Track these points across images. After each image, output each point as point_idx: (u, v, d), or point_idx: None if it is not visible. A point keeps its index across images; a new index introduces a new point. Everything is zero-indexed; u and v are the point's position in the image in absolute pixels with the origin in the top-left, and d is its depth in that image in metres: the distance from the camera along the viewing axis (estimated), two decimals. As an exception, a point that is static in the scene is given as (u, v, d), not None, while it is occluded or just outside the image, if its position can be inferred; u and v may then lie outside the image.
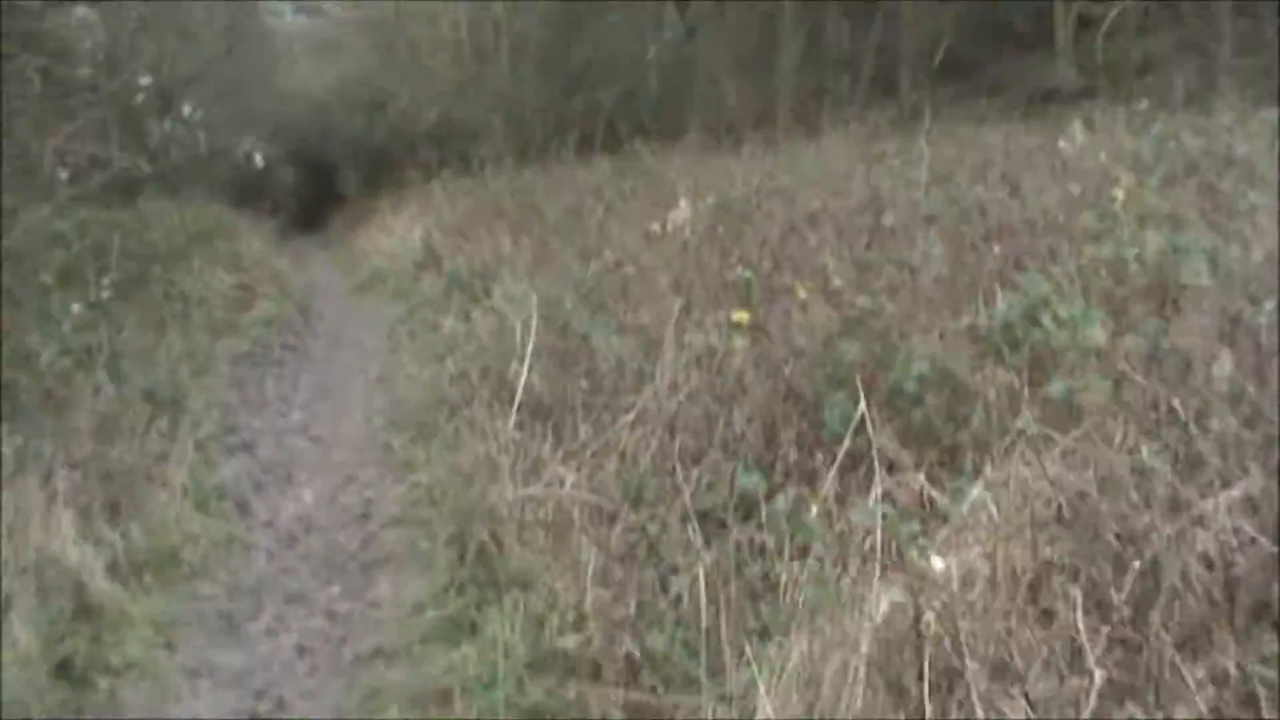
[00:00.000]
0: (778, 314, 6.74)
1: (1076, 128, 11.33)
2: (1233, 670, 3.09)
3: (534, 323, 9.15)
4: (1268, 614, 3.23)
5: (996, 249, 7.13)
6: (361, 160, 32.39)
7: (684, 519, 5.20)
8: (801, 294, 6.75)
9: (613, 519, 5.68)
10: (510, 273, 13.71)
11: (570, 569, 5.31)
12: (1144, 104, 12.02)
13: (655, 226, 9.70)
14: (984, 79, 29.92)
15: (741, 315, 6.51)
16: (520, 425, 8.01)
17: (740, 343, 6.37)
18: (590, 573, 5.05)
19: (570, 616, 4.91)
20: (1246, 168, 8.28)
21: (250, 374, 12.52)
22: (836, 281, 6.92)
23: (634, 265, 9.32)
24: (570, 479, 6.11)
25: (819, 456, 4.90)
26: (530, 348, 8.88)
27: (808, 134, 20.21)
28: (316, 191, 33.71)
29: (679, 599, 4.66)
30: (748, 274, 7.44)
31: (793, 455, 5.14)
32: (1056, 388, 4.41)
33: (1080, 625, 3.11)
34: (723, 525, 4.99)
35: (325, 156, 33.75)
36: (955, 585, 3.33)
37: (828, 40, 30.85)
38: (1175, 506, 3.48)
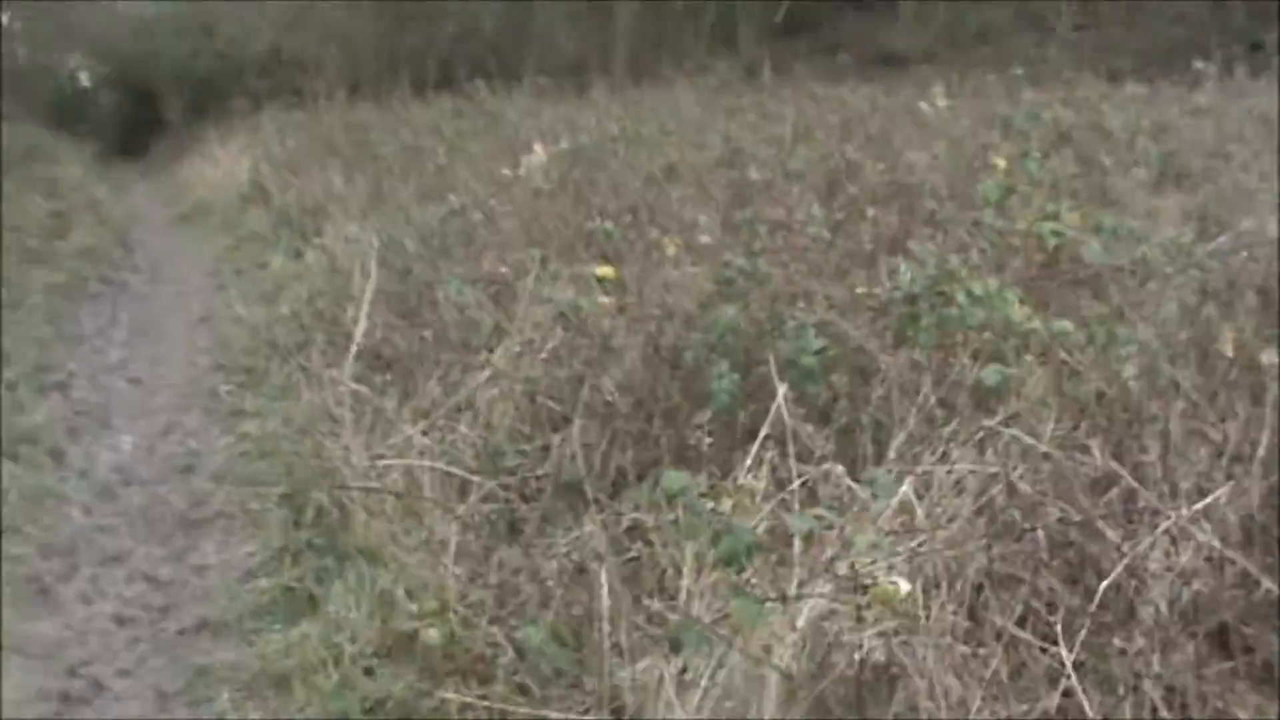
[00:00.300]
0: (644, 271, 6.34)
1: (938, 91, 11.08)
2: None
3: (373, 266, 8.67)
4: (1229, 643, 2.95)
5: (872, 212, 6.82)
6: (187, 87, 31.31)
7: (552, 493, 4.81)
8: (670, 250, 6.36)
9: (465, 489, 5.25)
10: (343, 212, 13.18)
11: (424, 544, 4.85)
12: (1019, 71, 11.80)
13: (506, 171, 9.22)
14: (823, 38, 29.94)
15: (605, 270, 6.10)
16: (358, 376, 7.57)
17: (604, 300, 5.95)
18: (451, 550, 4.59)
19: (427, 600, 4.45)
20: (1122, 141, 8.08)
21: (65, 308, 11.80)
22: (705, 238, 6.54)
23: (482, 211, 8.84)
24: (420, 441, 5.62)
25: (701, 434, 4.49)
26: (369, 293, 8.40)
27: (650, 82, 19.89)
28: (139, 117, 32.59)
29: (547, 584, 4.24)
30: (607, 226, 7.04)
31: (673, 431, 4.75)
32: (989, 374, 4.07)
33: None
34: (595, 502, 4.59)
35: (150, 81, 32.59)
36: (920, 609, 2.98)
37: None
38: (1135, 514, 3.18)
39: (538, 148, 9.11)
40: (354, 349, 7.96)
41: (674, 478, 3.07)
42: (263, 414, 7.92)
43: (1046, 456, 3.58)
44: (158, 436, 7.97)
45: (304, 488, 6.20)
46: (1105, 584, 2.91)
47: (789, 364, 4.51)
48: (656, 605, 3.54)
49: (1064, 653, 2.83)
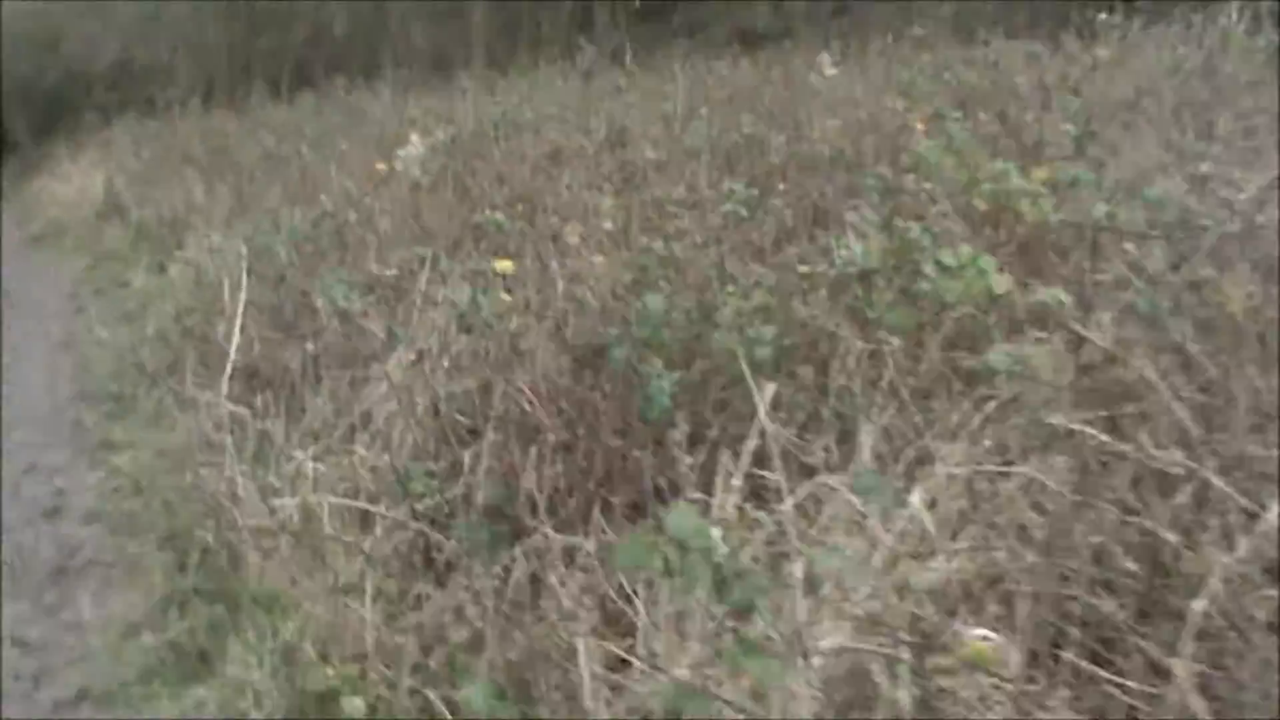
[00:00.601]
0: (546, 263, 5.79)
1: (825, 59, 10.64)
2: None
3: (243, 276, 8.05)
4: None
5: (783, 185, 6.33)
6: (32, 103, 30.18)
7: (470, 518, 4.27)
8: (573, 238, 5.82)
9: (368, 520, 4.69)
10: (205, 222, 12.51)
11: (329, 587, 4.27)
12: (916, 30, 11.36)
13: (380, 166, 8.62)
14: (679, 21, 29.52)
15: (504, 264, 5.53)
16: (236, 398, 6.97)
17: (506, 297, 5.39)
18: (364, 593, 4.01)
19: (340, 654, 3.87)
20: (1035, 99, 7.66)
21: (-90, 341, 11.03)
22: (608, 224, 6.01)
23: (357, 210, 8.24)
24: (313, 468, 5.03)
25: (678, 450, 3.94)
26: (241, 305, 7.79)
27: (512, 71, 19.33)
28: (-19, 136, 31.38)
29: (477, 626, 3.68)
30: (497, 217, 6.49)
31: (603, 443, 4.20)
32: (998, 359, 3.54)
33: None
34: (519, 525, 4.05)
35: (-8, 99, 31.40)
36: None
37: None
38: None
39: (414, 138, 8.52)
40: (228, 367, 7.39)
41: (681, 515, 2.46)
42: (134, 445, 7.28)
43: (1073, 445, 3.10)
44: (20, 476, 7.28)
45: (186, 527, 5.60)
46: (1202, 602, 2.43)
47: (731, 356, 4.00)
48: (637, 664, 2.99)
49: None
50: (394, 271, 6.19)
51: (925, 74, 8.92)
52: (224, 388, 7.20)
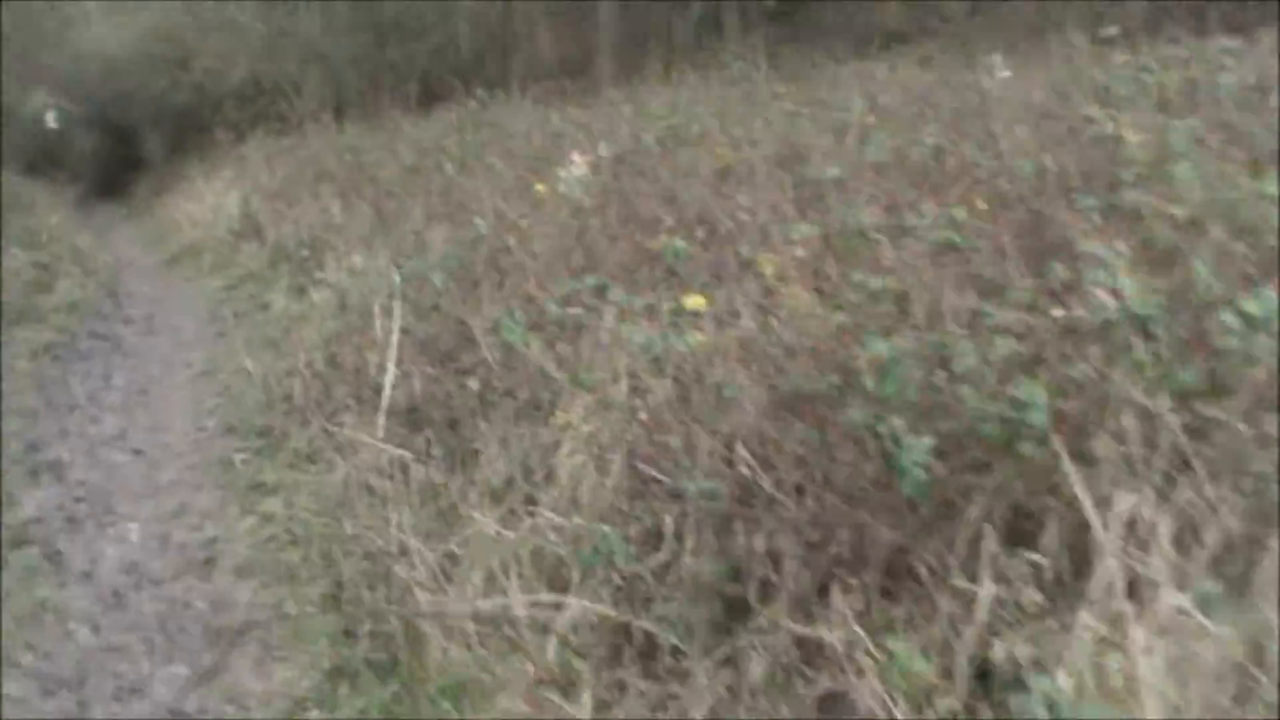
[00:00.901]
0: (739, 298, 5.25)
1: (996, 61, 10.01)
2: None
3: (396, 305, 7.64)
4: None
5: (983, 204, 5.75)
6: (165, 122, 30.33)
7: (676, 592, 3.76)
8: (768, 269, 5.29)
9: (558, 585, 4.19)
10: (345, 242, 12.15)
11: (525, 680, 3.76)
12: (1112, 30, 10.65)
13: (540, 187, 8.14)
14: (810, 21, 28.91)
15: (696, 300, 5.01)
16: (394, 437, 6.56)
17: (697, 338, 4.87)
18: (570, 688, 3.51)
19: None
20: (1248, 102, 7.01)
21: (53, 371, 10.74)
22: (800, 252, 5.48)
23: (515, 233, 7.77)
24: (493, 528, 4.53)
25: (883, 515, 3.40)
26: (395, 336, 7.38)
27: (646, 79, 18.86)
28: (118, 157, 31.63)
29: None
30: (677, 244, 5.98)
31: (854, 522, 3.63)
32: None
33: None
34: (737, 605, 3.53)
35: (126, 119, 31.64)
36: None
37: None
38: None
39: (575, 157, 8.03)
40: (384, 404, 6.99)
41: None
42: (287, 488, 6.88)
43: None
44: (169, 521, 6.90)
45: (351, 586, 5.17)
46: None
47: (976, 422, 3.44)
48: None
49: None
50: (578, 311, 5.65)
51: (1119, 76, 8.26)
52: (380, 427, 6.82)
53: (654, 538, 4.20)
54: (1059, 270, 4.31)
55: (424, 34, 28.72)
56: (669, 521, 4.13)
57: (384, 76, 27.64)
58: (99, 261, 17.39)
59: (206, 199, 20.60)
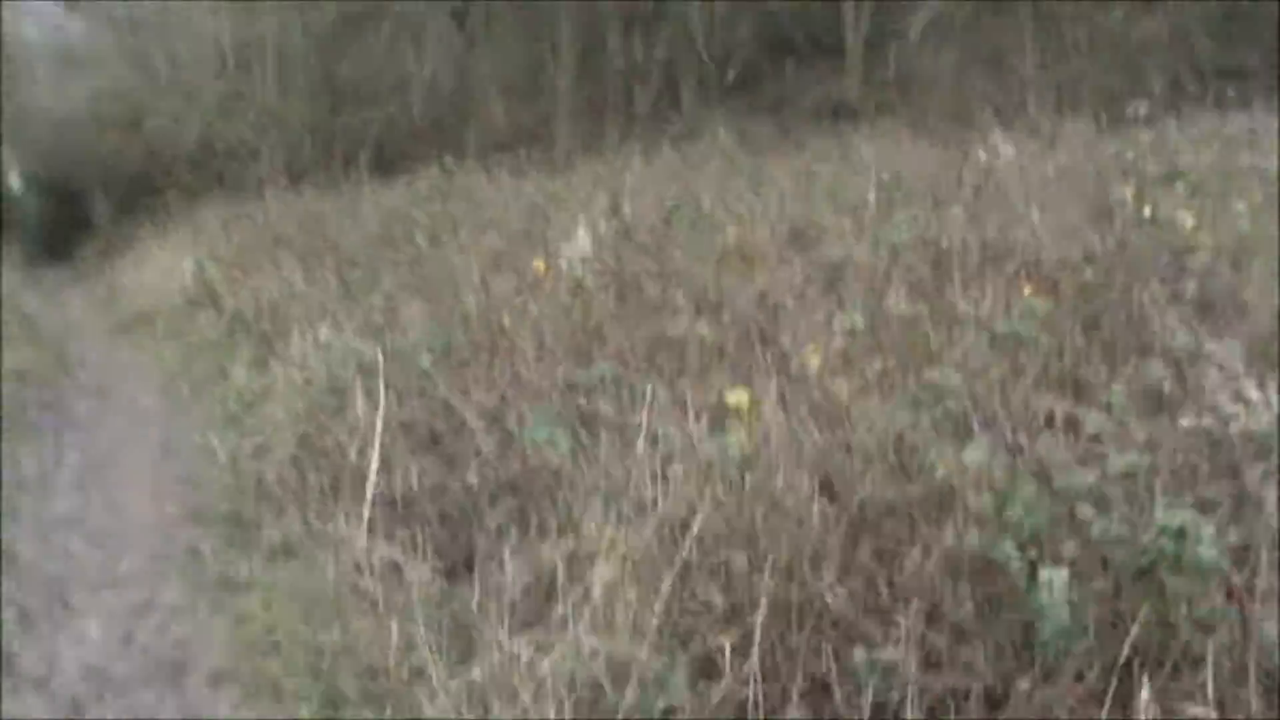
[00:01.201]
0: (783, 394, 4.77)
1: (997, 137, 9.64)
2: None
3: (381, 385, 7.12)
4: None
5: (1030, 291, 5.33)
6: (115, 184, 29.70)
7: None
8: (814, 361, 4.82)
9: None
10: (307, 312, 11.61)
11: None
12: (1141, 108, 10.31)
13: (539, 264, 7.65)
14: (766, 94, 28.69)
15: (739, 396, 4.53)
16: (380, 530, 6.07)
17: (740, 438, 4.38)
18: None
19: None
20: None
21: (1, 446, 10.13)
22: (839, 342, 5.03)
23: (510, 313, 7.28)
24: (527, 656, 4.00)
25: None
26: (380, 421, 6.86)
27: (603, 151, 18.52)
28: (65, 219, 30.88)
29: None
30: (702, 331, 5.52)
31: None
32: None
33: None
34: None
35: (74, 180, 30.98)
36: None
37: (609, 53, 29.31)
38: None
39: (581, 232, 7.56)
40: (368, 494, 6.48)
41: None
42: (262, 585, 6.32)
43: None
44: (131, 618, 6.32)
45: (351, 710, 4.63)
46: None
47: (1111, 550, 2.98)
48: None
49: None
50: (611, 410, 5.15)
51: (1146, 153, 7.87)
52: (365, 521, 6.33)
53: (709, 668, 3.72)
54: (1156, 370, 3.87)
55: (378, 100, 28.42)
56: (726, 648, 3.64)
57: (339, 142, 27.27)
58: (47, 327, 16.81)
59: (159, 263, 20.03)
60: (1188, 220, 5.56)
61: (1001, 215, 6.92)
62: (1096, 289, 5.08)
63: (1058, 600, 2.86)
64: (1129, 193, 6.64)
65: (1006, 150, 9.39)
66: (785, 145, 14.84)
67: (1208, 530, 2.83)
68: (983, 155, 9.36)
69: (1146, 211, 6.19)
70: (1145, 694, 2.65)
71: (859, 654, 3.32)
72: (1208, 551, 2.80)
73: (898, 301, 5.38)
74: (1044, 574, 2.92)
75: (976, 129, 10.88)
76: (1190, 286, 4.80)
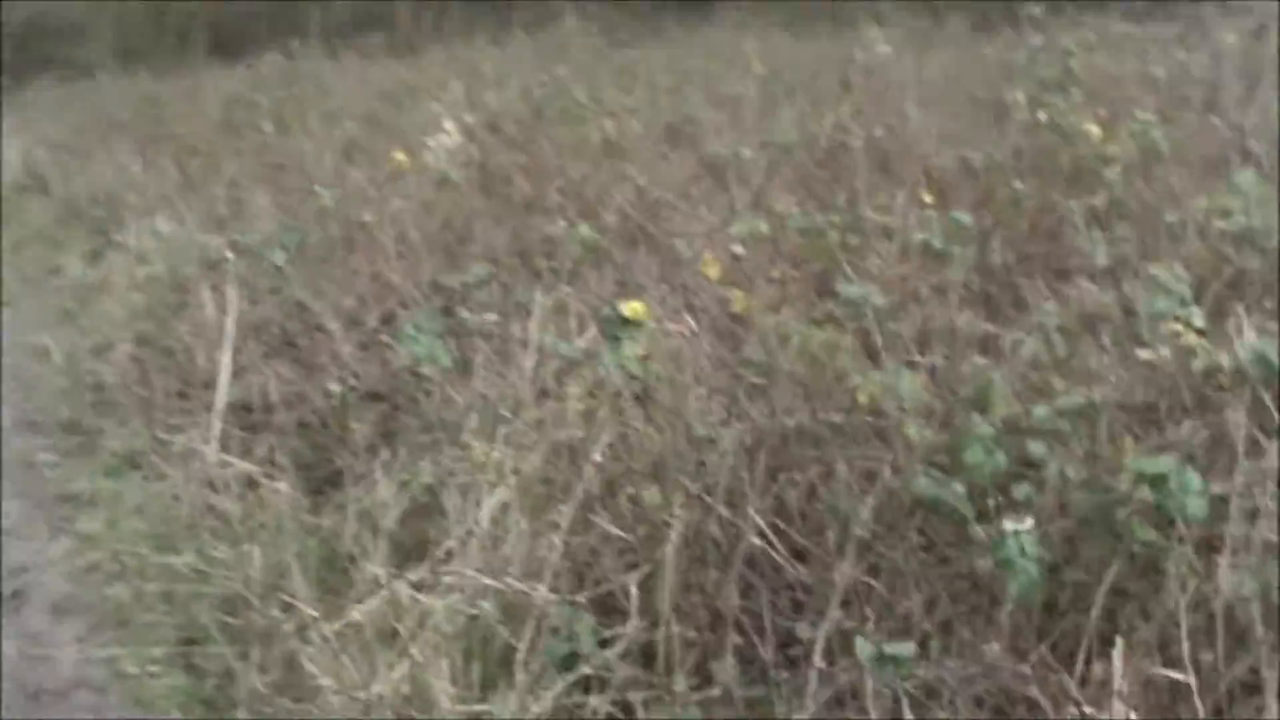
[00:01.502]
0: (679, 303, 4.43)
1: (876, 35, 9.31)
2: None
3: (232, 286, 6.65)
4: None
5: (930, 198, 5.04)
6: (-71, 66, 28.34)
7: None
8: (713, 273, 4.49)
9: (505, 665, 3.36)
10: (145, 201, 11.05)
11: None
12: (1035, 9, 9.91)
13: (400, 156, 7.20)
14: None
15: (635, 306, 4.17)
16: (233, 442, 5.66)
17: (635, 351, 4.03)
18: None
19: None
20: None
21: None
22: (738, 248, 4.70)
23: (372, 209, 6.83)
24: (406, 593, 3.64)
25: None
26: (231, 325, 6.39)
27: (459, 41, 17.96)
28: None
29: None
30: (584, 231, 5.15)
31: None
32: None
33: None
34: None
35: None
36: None
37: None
38: None
39: (448, 124, 7.10)
40: (220, 401, 6.05)
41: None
42: (107, 502, 5.86)
43: None
44: (-39, 540, 5.83)
45: (211, 644, 4.24)
46: None
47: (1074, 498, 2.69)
48: None
49: None
50: (494, 317, 4.77)
51: (1036, 58, 7.57)
52: (215, 429, 5.90)
53: (609, 607, 3.41)
54: (1092, 291, 3.58)
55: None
56: (632, 590, 3.32)
57: (173, 23, 26.25)
58: None
59: (-18, 149, 19.11)
60: (1093, 129, 5.29)
61: (888, 116, 6.61)
62: (1010, 199, 4.79)
63: (1029, 555, 2.57)
64: (1021, 97, 6.36)
65: (884, 49, 9.07)
66: (645, 35, 14.38)
67: (1192, 478, 2.55)
68: (859, 54, 9.03)
69: (1042, 116, 5.92)
70: (1118, 656, 2.38)
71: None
72: (1195, 502, 2.52)
73: (792, 205, 5.06)
74: (1008, 524, 2.63)
75: (850, 25, 10.56)
76: (1104, 199, 4.53)
